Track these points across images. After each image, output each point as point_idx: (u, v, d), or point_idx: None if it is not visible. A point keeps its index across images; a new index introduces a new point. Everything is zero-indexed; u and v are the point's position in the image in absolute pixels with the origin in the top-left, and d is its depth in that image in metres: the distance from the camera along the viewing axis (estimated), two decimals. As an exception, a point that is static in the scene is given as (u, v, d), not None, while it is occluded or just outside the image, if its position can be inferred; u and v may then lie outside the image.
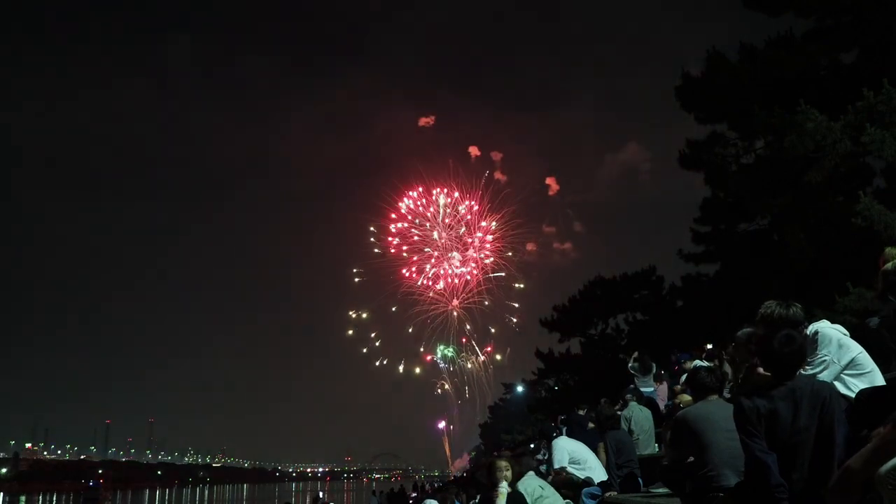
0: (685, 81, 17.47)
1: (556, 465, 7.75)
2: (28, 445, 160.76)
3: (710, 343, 12.24)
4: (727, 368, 7.54)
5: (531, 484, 6.25)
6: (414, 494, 30.20)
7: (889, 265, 5.14)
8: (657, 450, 8.97)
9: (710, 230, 20.92)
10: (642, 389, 11.97)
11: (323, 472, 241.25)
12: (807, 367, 4.02)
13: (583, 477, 7.43)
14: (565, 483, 7.66)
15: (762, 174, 15.33)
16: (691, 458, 4.56)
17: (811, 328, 4.30)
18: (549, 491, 6.35)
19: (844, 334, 4.36)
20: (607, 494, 6.85)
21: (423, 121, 73.49)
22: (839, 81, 14.52)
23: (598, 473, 7.44)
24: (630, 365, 12.95)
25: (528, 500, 5.81)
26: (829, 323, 4.48)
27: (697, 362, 9.38)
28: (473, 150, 63.68)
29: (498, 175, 63.02)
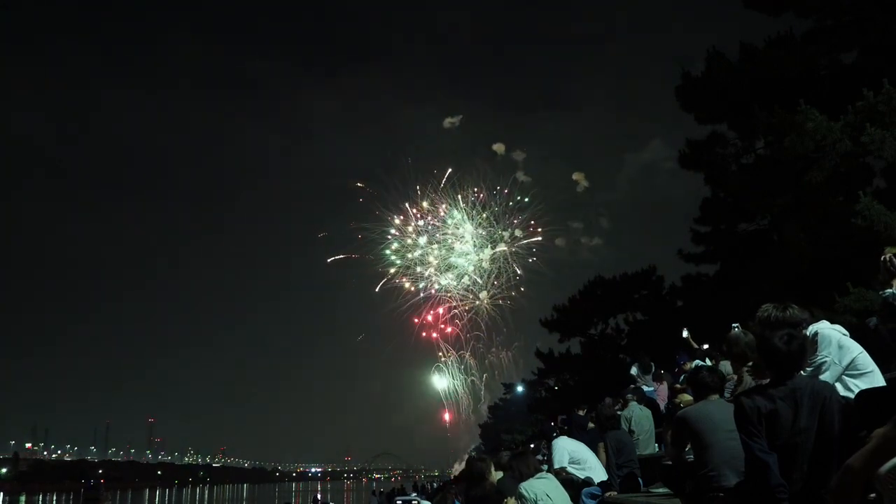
0: (685, 81, 17.47)
1: (556, 465, 7.74)
2: (28, 445, 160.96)
3: (706, 344, 12.24)
4: (728, 369, 7.53)
5: (538, 488, 5.75)
6: (414, 494, 30.23)
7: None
8: (657, 450, 8.97)
9: (710, 230, 20.91)
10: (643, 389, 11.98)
11: (323, 472, 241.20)
12: (807, 368, 4.00)
13: (583, 477, 7.42)
14: (565, 483, 7.65)
15: (762, 174, 15.33)
16: (690, 456, 4.55)
17: (811, 329, 4.26)
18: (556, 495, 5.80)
19: (844, 334, 4.32)
20: (607, 494, 6.85)
21: (447, 121, 72.88)
22: (839, 81, 14.51)
23: (598, 473, 7.44)
24: (632, 371, 13.09)
25: None
26: (829, 323, 4.45)
27: (698, 362, 9.41)
28: (499, 148, 63.35)
29: (521, 175, 62.97)
